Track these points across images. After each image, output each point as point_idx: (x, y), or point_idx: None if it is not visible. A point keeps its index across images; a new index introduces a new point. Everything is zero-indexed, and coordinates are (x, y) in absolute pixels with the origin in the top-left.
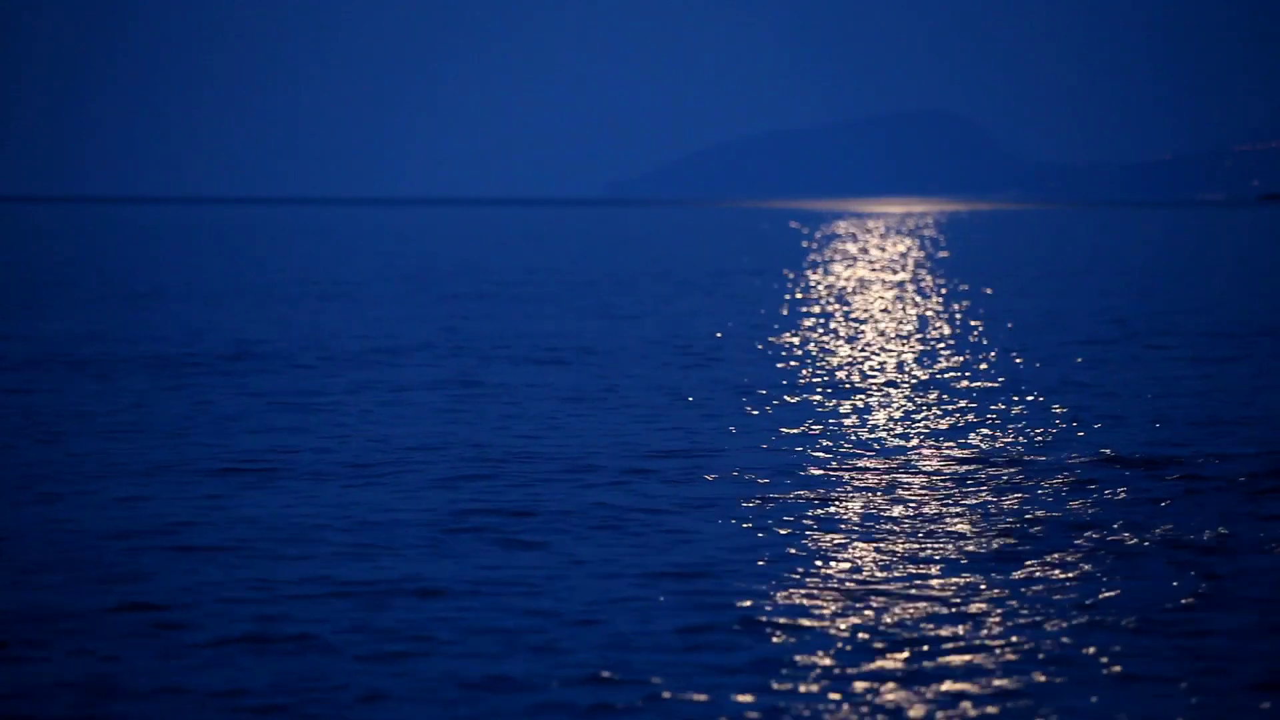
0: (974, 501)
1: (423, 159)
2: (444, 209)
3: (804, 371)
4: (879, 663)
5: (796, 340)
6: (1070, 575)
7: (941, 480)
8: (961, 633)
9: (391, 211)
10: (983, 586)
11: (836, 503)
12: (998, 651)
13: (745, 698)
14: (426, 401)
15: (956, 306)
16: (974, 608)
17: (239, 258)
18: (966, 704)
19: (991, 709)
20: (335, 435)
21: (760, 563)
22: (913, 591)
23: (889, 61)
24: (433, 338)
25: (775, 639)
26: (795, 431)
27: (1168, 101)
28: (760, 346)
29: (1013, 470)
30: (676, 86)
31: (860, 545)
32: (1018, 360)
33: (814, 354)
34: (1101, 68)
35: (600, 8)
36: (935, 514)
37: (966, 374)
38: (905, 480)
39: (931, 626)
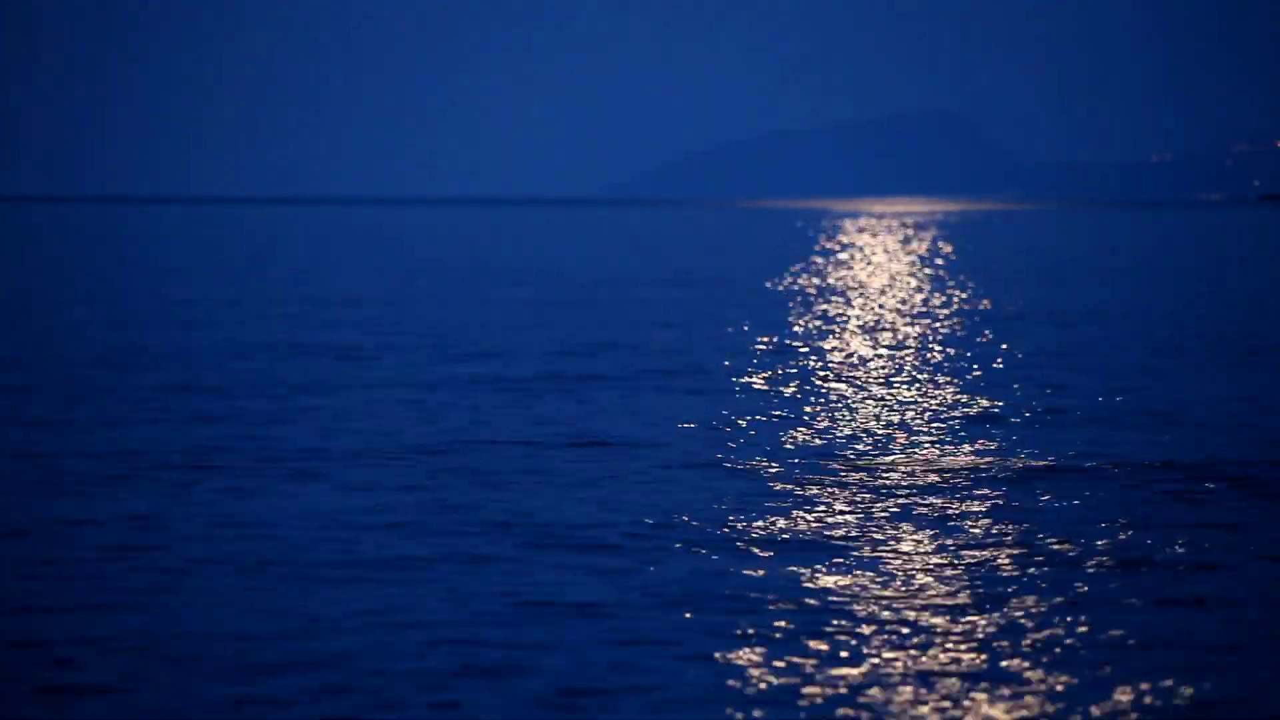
0: (976, 503)
1: (421, 159)
2: (444, 209)
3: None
4: (871, 662)
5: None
6: (1067, 577)
7: (940, 482)
8: (961, 636)
9: (391, 212)
10: (982, 590)
11: (831, 503)
12: (998, 654)
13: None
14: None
15: (967, 307)
16: (971, 611)
17: (240, 260)
18: (965, 705)
19: (990, 710)
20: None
21: (735, 564)
22: (911, 594)
23: (889, 61)
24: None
25: (767, 640)
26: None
27: (1168, 101)
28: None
29: (1016, 471)
30: (676, 86)
31: (859, 546)
32: (1019, 360)
33: (818, 354)
34: (1101, 67)
35: (600, 7)
36: (935, 516)
37: (972, 375)
38: (902, 482)
39: (929, 628)
